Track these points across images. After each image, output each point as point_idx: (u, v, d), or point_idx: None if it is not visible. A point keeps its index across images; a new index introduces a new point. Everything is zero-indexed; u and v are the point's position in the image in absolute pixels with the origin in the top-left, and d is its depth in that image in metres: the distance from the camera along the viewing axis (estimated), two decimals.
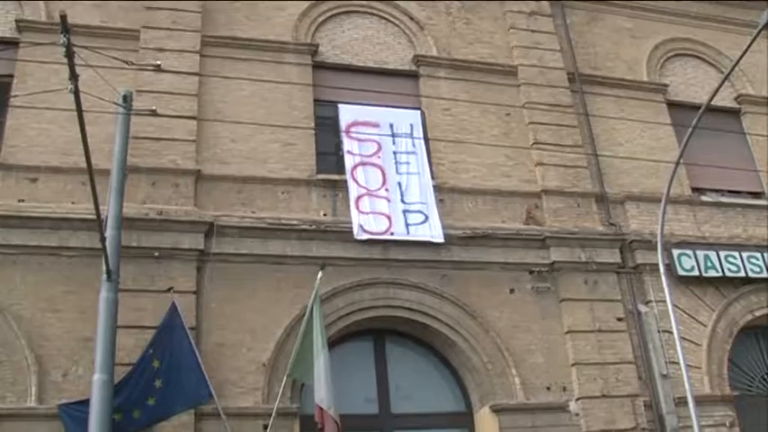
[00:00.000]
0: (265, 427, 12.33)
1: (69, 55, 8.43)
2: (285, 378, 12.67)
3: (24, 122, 13.69)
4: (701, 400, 13.77)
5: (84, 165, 9.84)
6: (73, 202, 13.08)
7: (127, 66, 12.33)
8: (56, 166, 13.38)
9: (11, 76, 14.17)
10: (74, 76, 8.50)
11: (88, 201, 10.35)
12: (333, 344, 13.50)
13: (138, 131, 13.45)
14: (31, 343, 11.95)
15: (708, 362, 15.11)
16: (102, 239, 10.25)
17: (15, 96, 13.58)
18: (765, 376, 16.24)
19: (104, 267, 10.33)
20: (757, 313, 15.98)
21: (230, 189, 14.14)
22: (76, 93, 8.77)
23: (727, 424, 14.64)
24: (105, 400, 9.91)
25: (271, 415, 12.34)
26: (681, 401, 14.02)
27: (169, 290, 12.70)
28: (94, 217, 10.07)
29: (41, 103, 13.08)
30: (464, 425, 14.45)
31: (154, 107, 13.25)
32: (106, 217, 10.57)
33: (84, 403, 10.44)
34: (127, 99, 11.41)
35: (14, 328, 11.98)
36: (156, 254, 12.94)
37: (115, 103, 11.37)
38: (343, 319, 13.82)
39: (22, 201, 13.00)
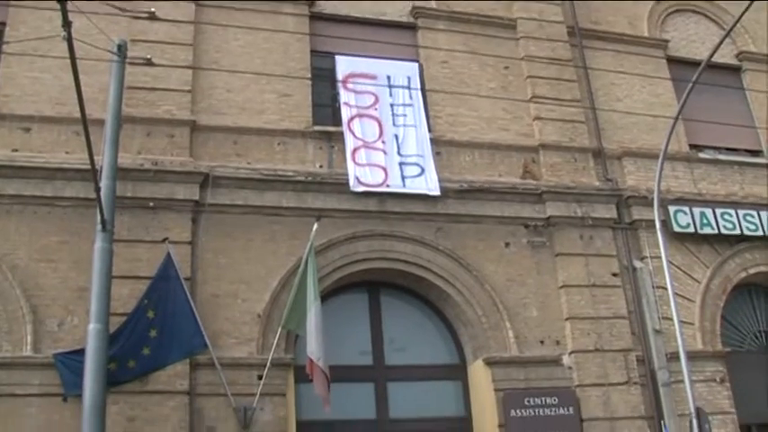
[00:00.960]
0: (260, 377, 12.43)
1: (62, 1, 8.30)
2: (280, 329, 12.74)
3: (17, 71, 13.54)
4: (692, 356, 13.86)
5: (78, 114, 9.75)
6: (67, 152, 13.00)
7: (121, 13, 12.18)
8: (49, 116, 13.26)
9: (3, 23, 13.99)
10: (67, 23, 8.36)
11: (82, 151, 10.26)
12: (328, 296, 13.58)
13: (133, 81, 13.32)
14: (25, 292, 11.96)
15: (701, 318, 15.21)
16: (97, 189, 10.20)
17: (8, 43, 13.41)
18: (757, 333, 16.36)
19: (99, 217, 10.29)
20: (751, 271, 16.06)
21: (226, 140, 14.06)
22: (69, 40, 8.63)
23: (718, 379, 14.77)
24: (100, 350, 9.95)
25: (265, 365, 12.45)
26: (673, 357, 14.13)
27: (164, 240, 12.70)
28: (89, 167, 10.00)
29: (34, 51, 12.93)
30: (457, 377, 14.58)
31: (149, 56, 13.10)
32: (101, 167, 10.51)
33: (80, 353, 10.50)
34: (121, 48, 11.29)
35: (9, 278, 11.99)
36: (151, 204, 12.91)
37: (109, 52, 11.24)
38: (338, 271, 13.84)
39: (16, 150, 12.92)
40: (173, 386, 12.01)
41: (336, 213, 13.95)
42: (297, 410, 12.89)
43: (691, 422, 12.41)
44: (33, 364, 11.58)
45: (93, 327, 9.99)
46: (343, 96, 14.96)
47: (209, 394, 12.24)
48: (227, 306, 12.88)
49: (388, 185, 14.33)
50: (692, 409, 12.40)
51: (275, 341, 12.66)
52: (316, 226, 12.85)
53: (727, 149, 17.47)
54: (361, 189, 14.10)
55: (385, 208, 14.28)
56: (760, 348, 16.27)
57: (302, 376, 12.52)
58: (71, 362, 11.31)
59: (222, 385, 12.19)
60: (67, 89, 12.16)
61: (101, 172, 10.47)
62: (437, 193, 14.45)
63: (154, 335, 12.00)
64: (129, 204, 12.64)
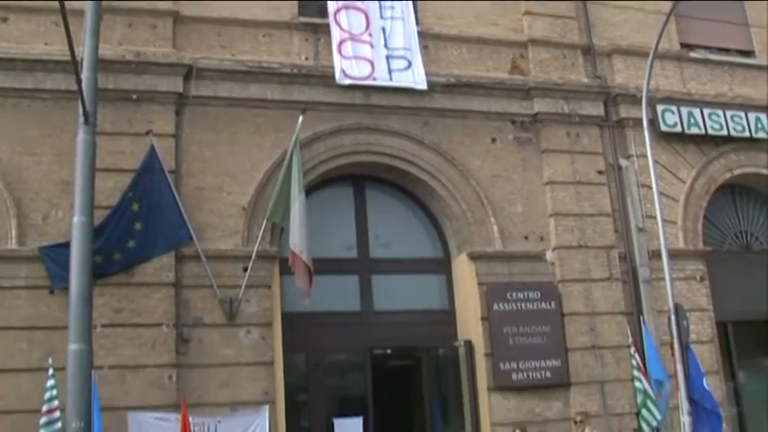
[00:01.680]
0: (245, 269, 12.54)
1: None
2: (264, 222, 12.77)
3: None
4: (674, 254, 14.02)
5: (56, 4, 9.48)
6: (46, 44, 12.68)
7: None
8: (27, 6, 12.84)
9: None
10: None
11: (62, 42, 9.98)
12: (313, 189, 13.59)
13: None
14: (8, 186, 11.89)
15: (684, 217, 15.35)
16: (78, 81, 9.99)
17: None
18: (738, 233, 16.56)
19: (81, 110, 10.12)
20: (736, 172, 16.12)
21: (210, 31, 13.75)
22: None
23: (698, 277, 15.01)
24: (86, 243, 9.92)
25: (250, 258, 12.53)
26: (654, 255, 14.31)
27: (148, 133, 12.56)
28: (69, 59, 9.79)
29: None
30: (441, 271, 14.78)
31: None
32: (81, 59, 10.29)
33: (65, 246, 10.48)
34: None
35: None
36: (134, 96, 12.72)
37: None
38: (324, 164, 13.80)
39: None
40: (159, 278, 12.12)
41: (322, 106, 13.81)
42: (282, 302, 13.04)
43: (669, 318, 12.61)
44: (19, 257, 11.62)
45: (77, 219, 9.93)
46: None
47: (195, 286, 12.37)
48: (212, 199, 12.88)
49: (374, 78, 14.14)
50: (671, 306, 12.58)
51: (260, 234, 12.71)
52: (301, 119, 12.72)
53: (719, 49, 17.22)
54: (347, 82, 13.92)
55: (371, 101, 14.14)
56: (740, 248, 16.51)
57: (287, 268, 12.59)
58: (57, 255, 11.35)
59: (208, 277, 12.30)
60: None
61: (81, 63, 10.26)
62: (424, 87, 14.28)
63: (139, 227, 12.02)
64: (112, 97, 12.44)
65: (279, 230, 13.15)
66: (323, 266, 12.59)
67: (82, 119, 10.14)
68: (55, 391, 10.26)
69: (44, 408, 10.23)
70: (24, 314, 11.41)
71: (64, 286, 10.51)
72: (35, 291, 11.50)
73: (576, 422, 12.78)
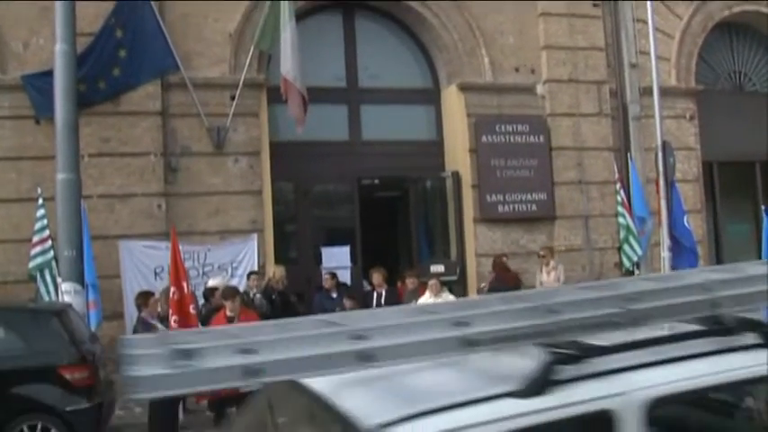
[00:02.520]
0: (232, 97, 12.39)
1: None
2: (252, 49, 12.50)
3: None
4: (665, 91, 13.79)
5: None
6: None
7: None
8: None
9: None
10: None
11: None
12: (301, 17, 13.18)
13: None
14: None
15: (678, 54, 15.08)
16: None
17: None
18: (731, 73, 16.34)
19: None
20: (735, 9, 15.69)
21: None
22: None
23: (687, 116, 14.95)
24: (69, 71, 9.79)
25: (238, 86, 12.34)
26: (646, 91, 14.08)
27: None
28: None
29: None
30: (431, 101, 14.65)
31: None
32: None
33: (48, 74, 10.29)
34: None
35: None
36: None
37: None
38: None
39: None
40: (145, 107, 11.99)
41: None
42: (270, 131, 12.98)
43: (656, 155, 12.61)
44: (1, 86, 11.43)
45: (59, 47, 9.75)
46: None
47: (183, 115, 12.27)
48: (198, 25, 12.53)
49: None
50: (659, 143, 12.56)
51: (247, 61, 12.48)
52: None
53: None
54: None
55: None
56: (732, 88, 16.35)
57: (275, 97, 12.48)
58: (40, 84, 11.12)
59: (195, 105, 12.15)
60: None
61: None
62: None
63: (123, 55, 11.75)
64: None
65: (267, 58, 12.89)
66: (311, 95, 12.37)
67: None
68: (45, 221, 10.37)
69: (35, 238, 10.38)
70: (10, 144, 11.34)
71: (49, 116, 10.42)
72: (20, 120, 11.38)
73: (540, 256, 12.99)
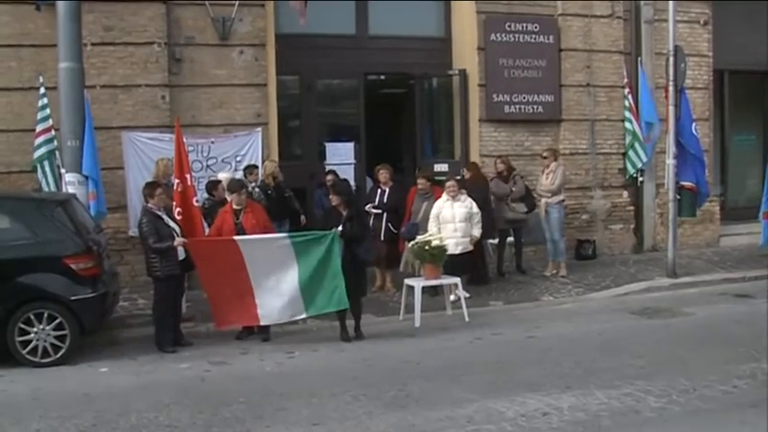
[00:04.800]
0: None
1: None
2: None
3: None
4: None
5: None
6: None
7: None
8: None
9: None
10: None
11: None
12: None
13: None
14: None
15: None
16: None
17: None
18: None
19: None
20: None
21: None
22: None
23: (701, 22, 14.63)
24: None
25: None
26: None
27: None
28: None
29: None
30: None
31: None
32: None
33: None
34: None
35: None
36: None
37: None
38: None
39: None
40: None
41: None
42: (276, 23, 12.69)
43: (667, 60, 12.34)
44: None
45: None
46: None
47: (187, 4, 12.01)
48: None
49: None
50: (671, 48, 12.28)
51: None
52: None
53: None
54: None
55: None
56: None
57: None
58: None
59: None
60: None
61: None
62: None
63: None
64: None
65: None
66: None
67: None
68: (48, 111, 10.25)
69: (39, 127, 10.26)
70: (10, 31, 11.08)
71: (50, 2, 10.19)
72: (20, 6, 11.06)
73: (542, 156, 12.85)
